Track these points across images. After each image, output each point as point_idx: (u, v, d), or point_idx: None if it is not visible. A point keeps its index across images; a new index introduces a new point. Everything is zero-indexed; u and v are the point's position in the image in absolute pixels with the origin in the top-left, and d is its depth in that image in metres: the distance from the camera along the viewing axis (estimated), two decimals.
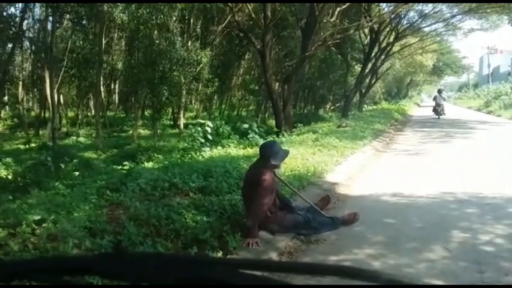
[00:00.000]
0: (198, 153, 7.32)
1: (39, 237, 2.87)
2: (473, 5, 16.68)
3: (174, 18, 15.27)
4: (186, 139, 8.92)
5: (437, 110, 18.24)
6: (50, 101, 15.68)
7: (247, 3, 13.54)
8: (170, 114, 21.46)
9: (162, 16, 14.00)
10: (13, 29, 14.39)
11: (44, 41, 16.48)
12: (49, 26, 16.64)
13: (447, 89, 73.38)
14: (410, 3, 16.59)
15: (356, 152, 8.01)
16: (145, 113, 21.73)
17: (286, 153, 3.78)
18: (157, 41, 14.39)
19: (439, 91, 19.57)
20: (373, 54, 19.79)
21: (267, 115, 23.95)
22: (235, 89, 26.02)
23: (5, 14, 13.94)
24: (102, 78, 17.93)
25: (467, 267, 2.91)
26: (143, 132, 19.12)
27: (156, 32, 14.63)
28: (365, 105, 26.10)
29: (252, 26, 15.72)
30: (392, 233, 3.68)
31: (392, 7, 17.21)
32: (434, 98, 19.44)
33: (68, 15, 17.04)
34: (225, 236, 3.16)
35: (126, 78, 19.85)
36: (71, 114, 23.31)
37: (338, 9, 13.36)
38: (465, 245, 3.35)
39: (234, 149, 7.71)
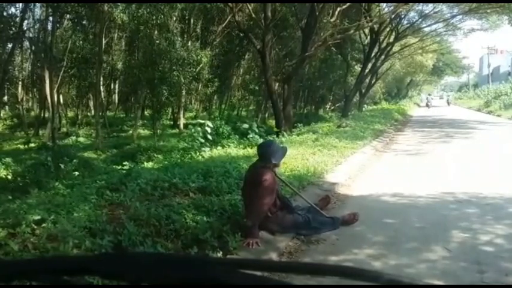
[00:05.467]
0: (198, 153, 7.32)
1: (39, 237, 2.87)
2: (474, 5, 16.67)
3: (174, 18, 15.28)
4: (186, 139, 8.91)
5: (428, 104, 33.32)
6: (49, 101, 15.68)
7: (248, 3, 13.55)
8: (170, 114, 21.46)
9: (162, 16, 14.00)
10: (13, 29, 14.40)
11: (44, 41, 16.49)
12: (49, 26, 16.66)
13: (447, 89, 73.66)
14: (410, 3, 16.59)
15: (356, 152, 8.01)
16: (145, 113, 21.73)
17: (285, 151, 3.77)
18: (157, 41, 14.40)
19: (429, 94, 43.21)
20: (373, 54, 19.80)
21: (267, 115, 23.95)
22: (235, 89, 26.02)
23: (5, 14, 13.95)
24: (102, 78, 17.93)
25: (468, 268, 2.90)
26: (143, 132, 19.12)
27: (156, 32, 14.63)
28: (365, 105, 26.09)
29: (252, 26, 15.72)
30: (392, 233, 3.67)
31: (392, 7, 17.22)
32: (427, 98, 37.11)
33: (68, 15, 17.04)
34: (225, 236, 3.16)
35: (126, 78, 19.89)
36: (70, 114, 23.30)
37: (338, 9, 13.36)
38: (465, 245, 3.35)
39: (234, 149, 7.70)
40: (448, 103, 37.54)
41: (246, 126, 10.37)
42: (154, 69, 14.12)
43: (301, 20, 14.67)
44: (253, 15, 13.58)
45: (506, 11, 16.71)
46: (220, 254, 2.93)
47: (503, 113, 21.03)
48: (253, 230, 3.26)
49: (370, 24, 16.36)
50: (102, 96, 19.56)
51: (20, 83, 19.75)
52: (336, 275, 0.58)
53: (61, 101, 19.77)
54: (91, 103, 21.59)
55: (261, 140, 8.17)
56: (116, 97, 24.66)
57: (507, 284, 2.70)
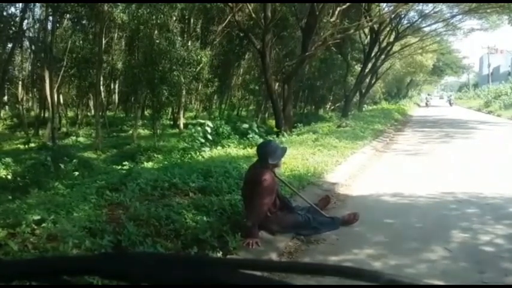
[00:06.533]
0: (198, 153, 7.31)
1: (39, 237, 2.87)
2: (473, 5, 16.67)
3: (174, 18, 15.29)
4: (186, 139, 8.91)
5: (427, 103, 36.27)
6: (49, 100, 15.69)
7: (248, 3, 13.55)
8: (170, 114, 21.47)
9: (162, 16, 14.00)
10: (13, 28, 14.40)
11: (44, 41, 16.48)
12: (49, 26, 16.66)
13: (447, 89, 73.77)
14: (410, 3, 16.59)
15: (356, 152, 8.01)
16: (145, 113, 21.74)
17: (284, 151, 3.76)
18: (157, 41, 14.40)
19: (429, 94, 45.55)
20: (373, 54, 19.79)
21: (267, 115, 23.95)
22: (235, 89, 26.03)
23: (5, 13, 13.96)
24: (102, 78, 17.92)
25: (468, 268, 2.91)
26: (143, 132, 19.12)
27: (156, 31, 14.63)
28: (365, 105, 26.09)
29: (252, 26, 15.72)
30: (392, 233, 3.67)
31: (392, 7, 17.21)
32: (426, 98, 39.73)
33: (68, 15, 17.05)
34: (225, 236, 3.16)
35: (126, 78, 19.88)
36: (70, 114, 23.31)
37: (338, 9, 13.35)
38: (465, 245, 3.36)
39: (234, 149, 7.70)
40: (450, 103, 34.39)
41: (246, 126, 10.36)
42: (154, 69, 14.12)
43: (301, 19, 14.66)
44: (253, 15, 13.58)
45: (506, 11, 16.70)
46: (220, 254, 2.93)
47: (503, 113, 21.04)
48: (253, 230, 3.26)
49: (370, 24, 16.36)
50: (102, 96, 19.55)
51: (20, 82, 19.75)
52: (336, 275, 0.58)
53: (61, 100, 19.77)
54: (91, 103, 21.60)
55: (261, 140, 8.17)
56: (116, 97, 24.66)
57: (507, 284, 2.70)
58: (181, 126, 18.42)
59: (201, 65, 16.43)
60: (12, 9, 15.35)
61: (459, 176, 6.05)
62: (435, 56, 32.84)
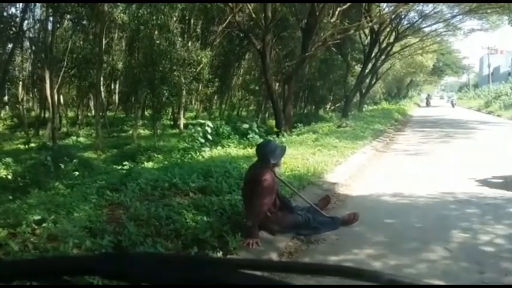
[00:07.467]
0: (198, 153, 7.31)
1: (39, 237, 2.87)
2: (474, 5, 16.67)
3: (175, 18, 15.29)
4: (186, 139, 8.90)
5: (428, 103, 38.87)
6: (50, 101, 15.69)
7: (248, 4, 13.55)
8: (170, 114, 21.46)
9: (162, 16, 14.01)
10: (13, 29, 14.39)
11: (44, 41, 16.48)
12: (49, 26, 16.66)
13: (447, 89, 73.83)
14: (411, 4, 16.59)
15: (356, 152, 8.01)
16: (146, 113, 21.74)
17: (283, 150, 3.76)
18: (157, 41, 14.40)
19: (429, 95, 45.13)
20: (373, 54, 19.79)
21: (267, 115, 23.94)
22: (235, 89, 26.03)
23: (5, 14, 13.95)
24: (102, 79, 17.92)
25: (468, 268, 2.91)
26: (143, 132, 19.12)
27: (156, 32, 14.64)
28: (365, 105, 26.08)
29: (252, 26, 15.72)
30: (392, 233, 3.67)
31: (392, 7, 17.21)
32: (426, 98, 41.89)
33: (68, 16, 17.04)
34: (225, 236, 3.16)
35: (126, 79, 19.89)
36: (71, 114, 23.31)
37: (338, 9, 13.36)
38: (465, 245, 3.35)
39: (234, 149, 7.70)
40: (453, 105, 31.78)
41: (246, 126, 10.36)
42: (154, 69, 14.14)
43: (302, 20, 14.66)
44: (254, 16, 13.57)
45: (506, 11, 16.70)
46: (220, 254, 2.93)
47: (503, 113, 21.04)
48: (253, 230, 3.26)
49: (370, 24, 16.35)
50: (103, 96, 19.55)
51: (21, 83, 19.74)
52: (336, 275, 0.58)
53: (61, 101, 19.77)
54: (91, 103, 21.61)
55: (261, 140, 8.17)
56: (116, 97, 24.66)
57: (507, 284, 2.70)
58: (182, 126, 18.42)
59: (201, 66, 16.43)
60: (13, 10, 15.37)
61: (459, 176, 6.05)
62: (435, 57, 32.85)
